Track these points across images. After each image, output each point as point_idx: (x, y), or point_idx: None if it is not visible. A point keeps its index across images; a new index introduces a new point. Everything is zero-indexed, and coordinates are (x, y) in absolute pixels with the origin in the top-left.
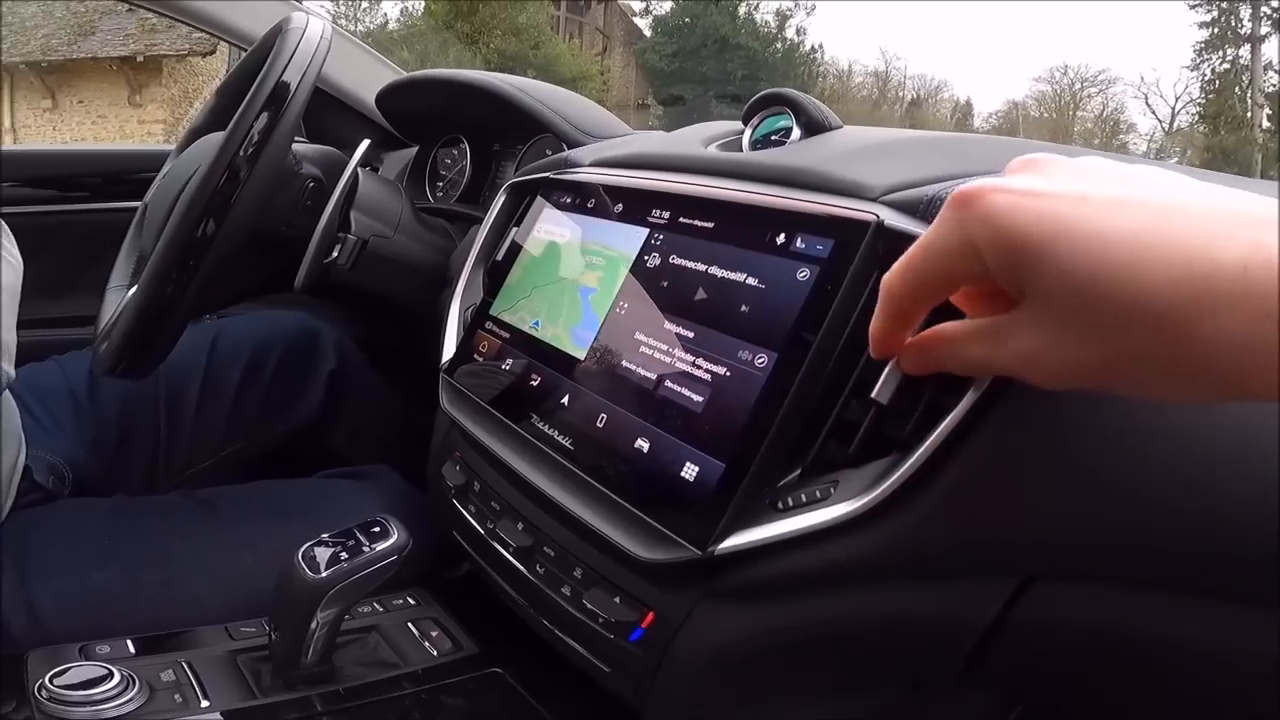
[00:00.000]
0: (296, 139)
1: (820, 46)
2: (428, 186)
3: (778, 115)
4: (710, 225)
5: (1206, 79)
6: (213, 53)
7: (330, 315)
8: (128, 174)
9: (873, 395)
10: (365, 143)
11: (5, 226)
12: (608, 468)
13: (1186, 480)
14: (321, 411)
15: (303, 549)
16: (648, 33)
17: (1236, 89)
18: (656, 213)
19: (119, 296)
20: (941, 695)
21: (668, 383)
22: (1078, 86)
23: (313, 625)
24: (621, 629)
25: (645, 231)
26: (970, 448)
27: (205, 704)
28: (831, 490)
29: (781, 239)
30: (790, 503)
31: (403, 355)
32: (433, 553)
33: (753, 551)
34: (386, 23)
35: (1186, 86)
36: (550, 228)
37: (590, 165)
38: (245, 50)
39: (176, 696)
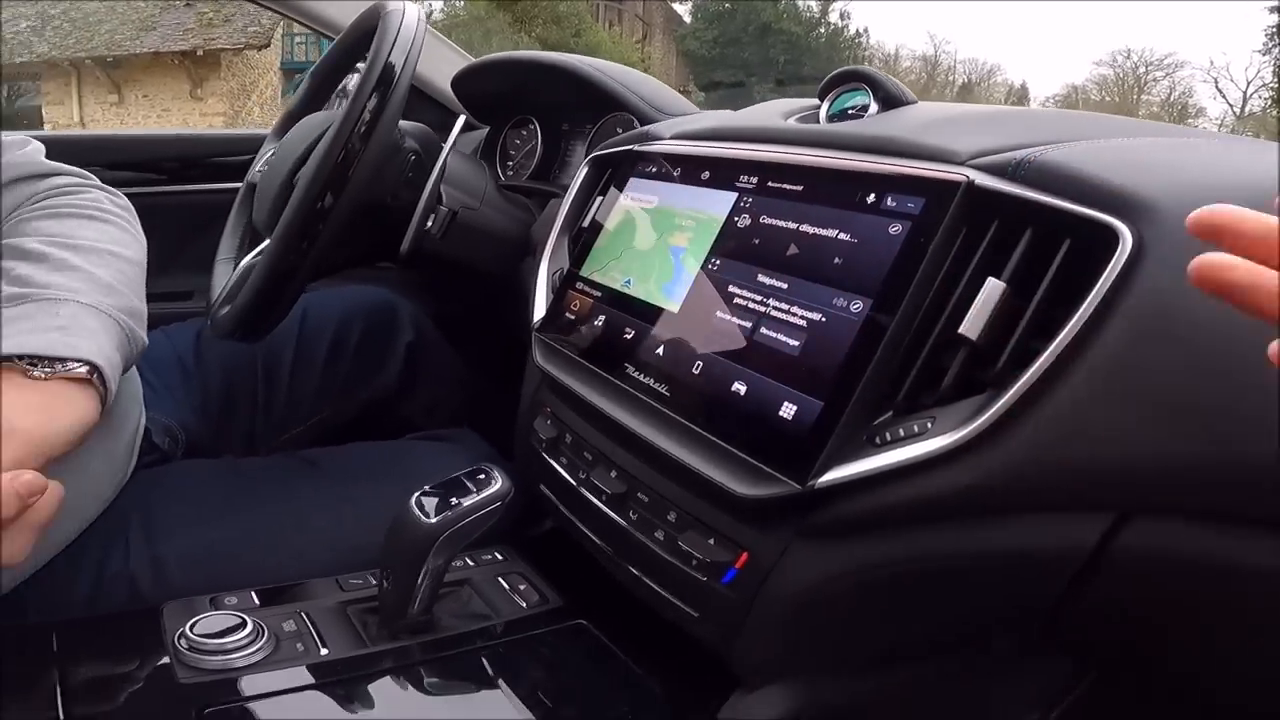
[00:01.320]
0: None
1: (865, 31)
2: (499, 166)
3: (853, 91)
4: (799, 188)
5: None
6: (267, 45)
7: (407, 291)
8: (207, 158)
9: (960, 330)
10: (461, 119)
11: (132, 208)
12: (705, 411)
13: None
14: (399, 381)
15: (414, 498)
16: (687, 19)
17: None
18: (744, 179)
19: (228, 269)
20: (1008, 666)
21: (763, 329)
22: (1142, 70)
23: (421, 573)
24: (715, 570)
25: (734, 195)
26: (1068, 382)
27: (325, 652)
28: (929, 425)
29: (872, 199)
30: (888, 437)
31: (475, 330)
32: (518, 510)
33: (849, 486)
34: (431, 13)
35: (1259, 70)
36: (637, 195)
37: (671, 138)
38: (330, 38)
39: (299, 645)
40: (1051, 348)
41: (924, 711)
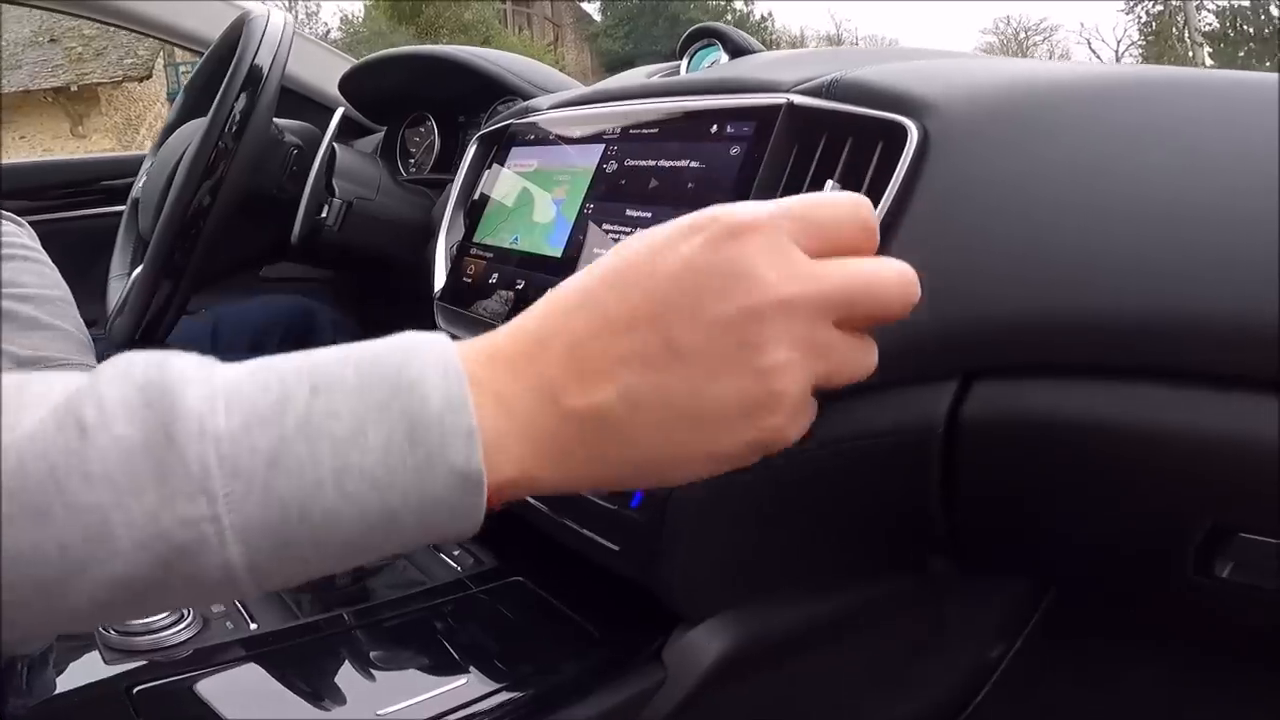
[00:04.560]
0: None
1: (770, 15)
2: (400, 164)
3: (708, 48)
4: (656, 131)
5: (1142, 21)
6: (149, 77)
7: (325, 298)
8: (95, 182)
9: None
10: (340, 111)
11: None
12: None
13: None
14: None
15: None
16: (598, 17)
17: (1174, 29)
18: (610, 130)
19: (121, 283)
20: (956, 590)
21: None
22: (1023, 36)
23: None
24: (622, 495)
25: (601, 146)
26: (895, 242)
27: (254, 626)
28: None
29: (714, 129)
30: None
31: (395, 325)
32: None
33: None
34: (328, 31)
35: (1125, 30)
36: (520, 162)
37: (549, 109)
38: (200, 54)
39: (227, 623)
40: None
41: (878, 639)
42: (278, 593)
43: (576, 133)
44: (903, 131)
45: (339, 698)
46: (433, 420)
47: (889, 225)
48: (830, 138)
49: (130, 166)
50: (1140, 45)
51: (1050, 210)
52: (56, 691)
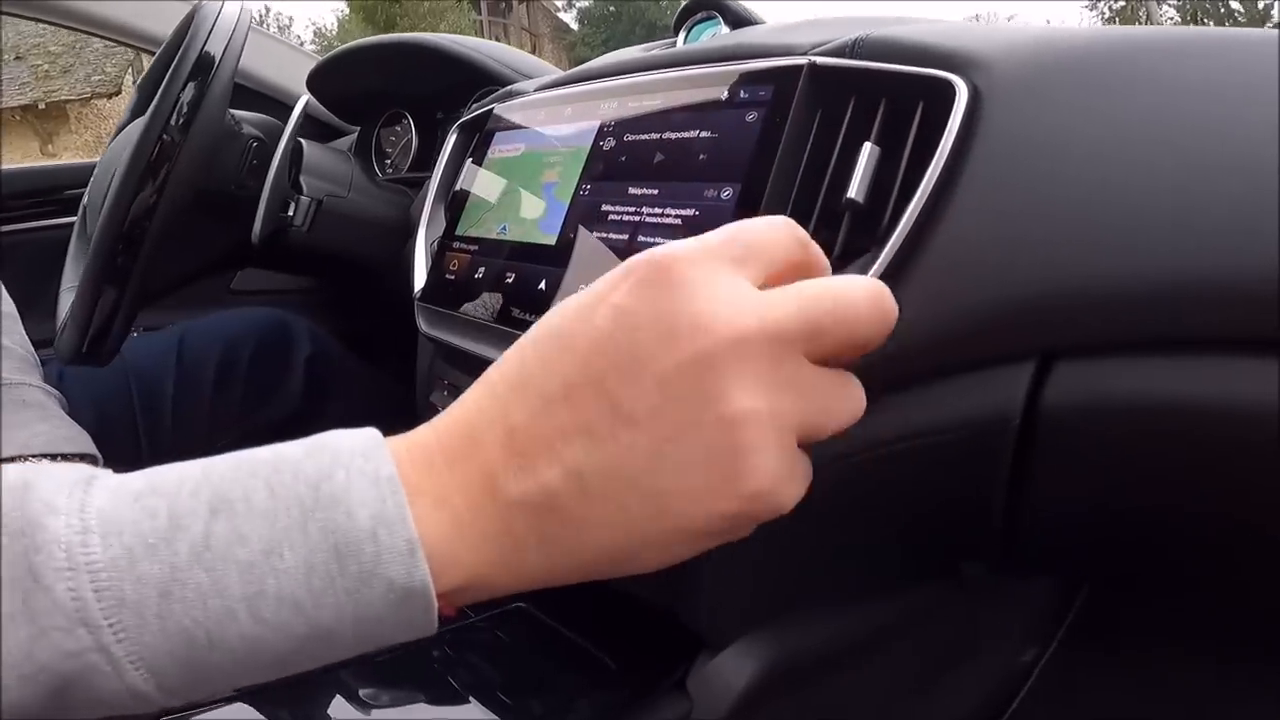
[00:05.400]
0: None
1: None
2: (375, 165)
3: (705, 23)
4: (658, 102)
5: (1106, 16)
6: (118, 93)
7: (301, 310)
8: (58, 191)
9: (848, 195)
10: (305, 96)
11: None
12: None
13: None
14: (305, 399)
15: None
16: (575, 26)
17: (1137, 24)
18: (605, 106)
19: (72, 296)
20: (988, 596)
21: (640, 236)
22: None
23: None
24: None
25: (596, 123)
26: (943, 226)
27: None
28: None
29: (725, 96)
30: None
31: (386, 339)
32: None
33: None
34: (302, 44)
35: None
36: (504, 147)
37: (534, 92)
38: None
39: None
40: (919, 193)
41: (911, 650)
42: None
43: (568, 112)
44: (948, 89)
45: None
46: (364, 537)
47: (941, 191)
48: (860, 100)
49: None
50: None
51: (1126, 169)
52: None
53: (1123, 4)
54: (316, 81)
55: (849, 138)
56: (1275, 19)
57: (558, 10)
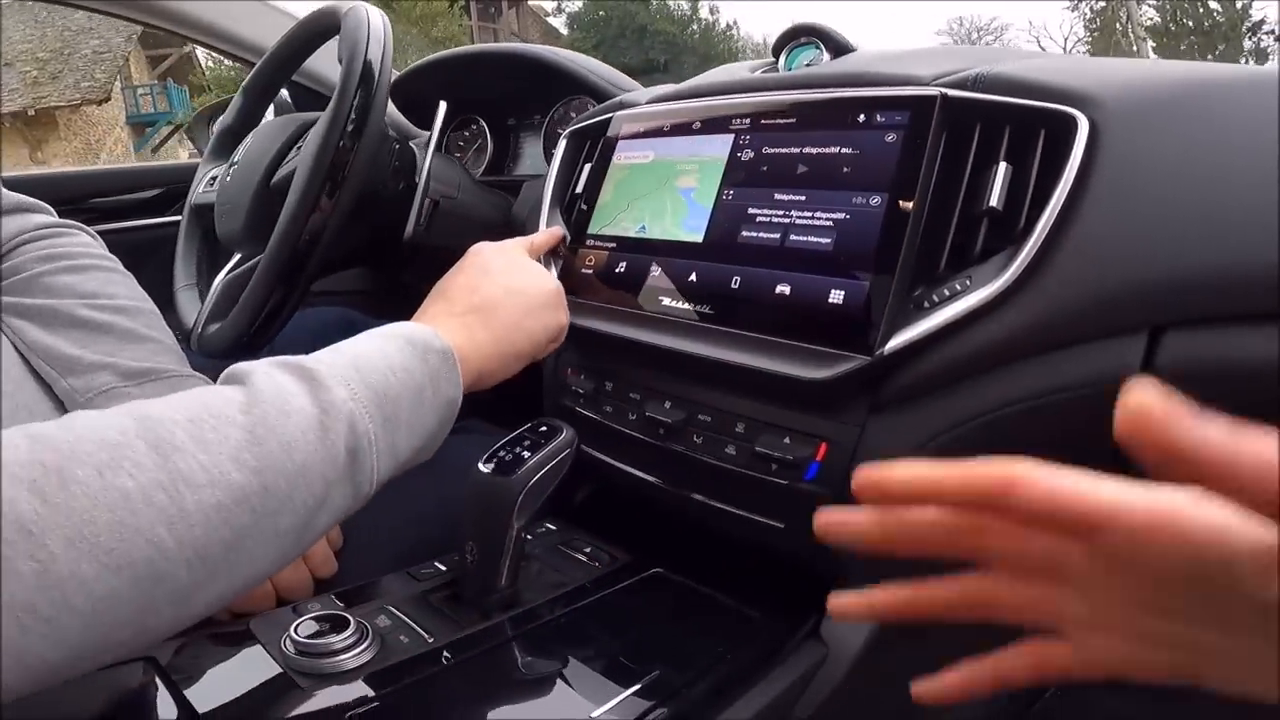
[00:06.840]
0: None
1: (735, 23)
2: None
3: (803, 47)
4: (793, 121)
5: (1087, 18)
6: (107, 100)
7: (366, 310)
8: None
9: (989, 204)
10: (443, 105)
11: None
12: (756, 316)
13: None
14: None
15: (480, 462)
16: (564, 30)
17: (1118, 25)
18: (736, 122)
19: (193, 294)
20: None
21: (793, 236)
22: (975, 36)
23: (508, 537)
24: (796, 468)
25: (731, 136)
26: (1077, 223)
27: (431, 640)
28: (968, 283)
29: (863, 118)
30: (935, 299)
31: None
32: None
33: (911, 350)
34: None
35: (1072, 27)
36: (630, 154)
37: (647, 103)
38: (253, 62)
39: (402, 638)
40: (1052, 203)
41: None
42: (431, 605)
43: (696, 124)
44: (1068, 121)
45: (543, 704)
46: (438, 347)
47: (1071, 202)
48: (985, 125)
49: (122, 182)
50: (1087, 41)
51: (1215, 182)
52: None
53: (1103, 3)
54: (400, 87)
55: (978, 157)
56: (1253, 19)
57: (547, 15)
